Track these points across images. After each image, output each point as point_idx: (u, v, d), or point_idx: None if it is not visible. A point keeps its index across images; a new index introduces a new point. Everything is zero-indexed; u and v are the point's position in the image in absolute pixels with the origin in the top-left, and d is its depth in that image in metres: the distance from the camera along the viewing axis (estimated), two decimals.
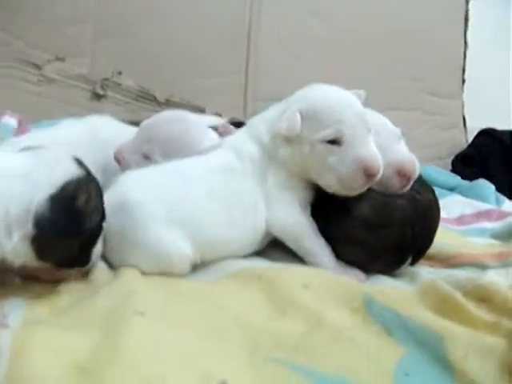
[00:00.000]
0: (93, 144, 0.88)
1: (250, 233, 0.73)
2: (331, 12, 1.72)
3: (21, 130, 1.26)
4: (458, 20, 1.88)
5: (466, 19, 1.90)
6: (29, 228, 0.53)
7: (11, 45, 1.40)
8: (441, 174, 1.64)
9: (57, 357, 0.41)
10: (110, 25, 1.49)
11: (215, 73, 1.57)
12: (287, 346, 0.52)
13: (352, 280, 0.66)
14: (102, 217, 0.62)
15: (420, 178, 0.89)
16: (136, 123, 0.88)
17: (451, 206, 1.41)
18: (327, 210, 0.75)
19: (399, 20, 1.80)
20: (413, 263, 0.79)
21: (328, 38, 1.71)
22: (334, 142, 0.69)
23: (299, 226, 0.73)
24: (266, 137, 0.74)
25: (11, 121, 1.27)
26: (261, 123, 0.77)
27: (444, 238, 0.89)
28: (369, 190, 0.73)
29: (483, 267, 0.83)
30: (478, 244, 1.01)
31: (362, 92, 0.79)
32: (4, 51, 1.40)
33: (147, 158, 0.80)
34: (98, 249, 0.62)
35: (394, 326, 0.56)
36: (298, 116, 0.69)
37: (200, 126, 0.83)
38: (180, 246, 0.66)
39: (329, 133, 0.69)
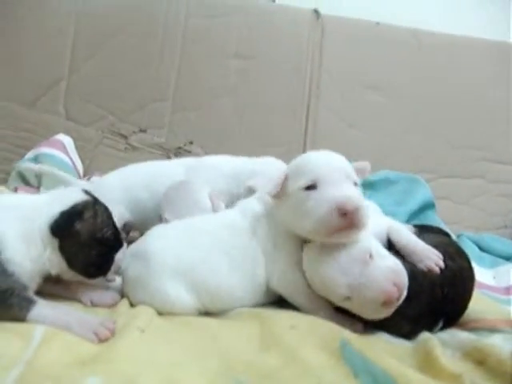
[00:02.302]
0: None
1: (250, 285, 0.81)
2: (388, 84, 1.82)
3: None
4: None
5: None
6: (51, 238, 0.72)
7: (105, 119, 1.71)
8: (499, 243, 1.59)
9: (67, 352, 0.55)
10: (186, 100, 1.74)
11: (277, 142, 1.74)
12: (257, 374, 0.60)
13: (335, 326, 0.73)
14: (116, 233, 0.80)
15: (457, 244, 0.94)
16: None
17: (503, 275, 1.38)
18: None
19: (459, 89, 1.84)
20: (445, 327, 0.82)
21: (385, 109, 1.81)
22: (310, 187, 0.75)
23: (295, 285, 0.79)
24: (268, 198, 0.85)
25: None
26: None
27: (477, 304, 0.90)
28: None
29: (493, 331, 0.84)
30: (505, 309, 0.99)
31: (366, 164, 0.85)
32: (100, 124, 1.72)
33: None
34: (116, 261, 0.79)
35: (361, 369, 0.62)
36: (282, 177, 0.79)
37: (195, 194, 1.03)
38: (182, 297, 0.76)
39: (305, 180, 0.76)
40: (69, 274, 0.76)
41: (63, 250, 0.73)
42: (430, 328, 0.80)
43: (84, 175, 1.59)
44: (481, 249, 1.55)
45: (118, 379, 0.51)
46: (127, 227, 1.17)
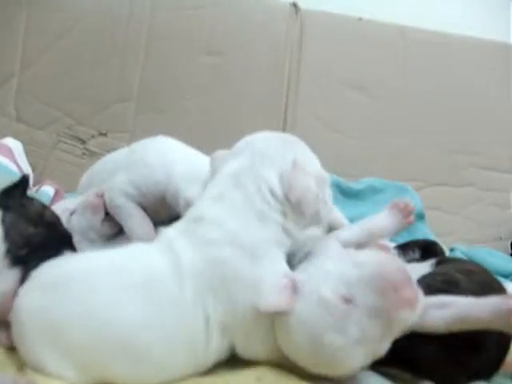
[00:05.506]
0: None
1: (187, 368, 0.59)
2: (372, 84, 1.69)
3: (56, 199, 1.34)
4: None
5: None
6: None
7: (61, 121, 1.55)
8: (495, 257, 1.47)
9: None
10: (152, 101, 1.59)
11: None
12: None
13: (303, 378, 0.58)
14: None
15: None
16: None
17: None
18: None
19: (448, 90, 1.72)
20: None
21: (369, 110, 1.68)
22: None
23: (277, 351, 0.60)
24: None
25: (49, 189, 1.36)
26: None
27: None
28: None
29: (506, 376, 0.69)
30: None
31: None
32: (54, 127, 1.54)
33: None
34: None
35: None
36: None
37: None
38: (60, 370, 0.55)
39: None
40: None
41: None
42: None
43: (34, 184, 1.42)
44: None
45: None
46: None
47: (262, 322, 0.59)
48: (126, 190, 0.87)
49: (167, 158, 0.90)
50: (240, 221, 0.62)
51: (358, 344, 0.53)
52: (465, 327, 0.58)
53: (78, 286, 0.58)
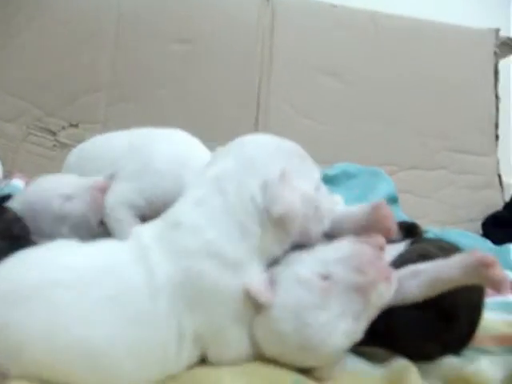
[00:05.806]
0: None
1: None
2: (344, 70, 1.70)
3: None
4: (487, 73, 1.79)
5: (496, 72, 1.80)
6: None
7: (30, 113, 1.51)
8: (469, 238, 1.50)
9: None
10: (123, 90, 1.56)
11: (226, 134, 1.58)
12: None
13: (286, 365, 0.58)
14: None
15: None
16: None
17: None
18: None
19: (419, 75, 1.74)
20: None
21: (342, 96, 1.68)
22: None
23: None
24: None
25: (19, 182, 1.33)
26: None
27: None
28: None
29: (478, 351, 0.69)
30: (491, 321, 0.88)
31: None
32: (23, 119, 1.51)
33: None
34: None
35: None
36: None
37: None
38: None
39: None
40: None
41: None
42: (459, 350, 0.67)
43: (4, 178, 1.38)
44: None
45: None
46: None
47: (240, 334, 0.58)
48: (133, 202, 0.78)
49: (178, 163, 0.82)
50: (219, 230, 0.57)
51: (340, 319, 0.54)
52: (439, 290, 0.58)
53: (39, 298, 0.53)
